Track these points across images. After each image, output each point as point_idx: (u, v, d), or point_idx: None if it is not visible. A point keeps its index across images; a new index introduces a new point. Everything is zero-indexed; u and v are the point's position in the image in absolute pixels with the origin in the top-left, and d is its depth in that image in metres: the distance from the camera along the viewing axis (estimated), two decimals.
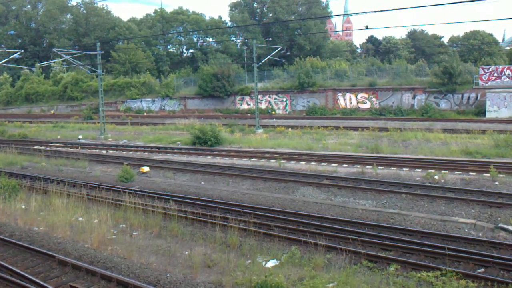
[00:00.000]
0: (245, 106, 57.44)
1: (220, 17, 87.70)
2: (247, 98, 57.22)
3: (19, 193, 19.49)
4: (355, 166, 23.58)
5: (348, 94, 51.62)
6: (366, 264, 12.06)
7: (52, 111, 68.56)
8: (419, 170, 21.90)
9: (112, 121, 52.13)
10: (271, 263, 12.20)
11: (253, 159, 27.02)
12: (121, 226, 15.57)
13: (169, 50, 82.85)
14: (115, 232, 14.86)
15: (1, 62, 44.20)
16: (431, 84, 47.49)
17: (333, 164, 24.03)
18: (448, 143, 28.81)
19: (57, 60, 68.64)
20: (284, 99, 55.26)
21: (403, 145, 29.30)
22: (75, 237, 14.23)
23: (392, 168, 22.69)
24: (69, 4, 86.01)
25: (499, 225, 14.49)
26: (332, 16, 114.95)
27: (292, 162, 25.60)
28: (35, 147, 35.36)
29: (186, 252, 13.09)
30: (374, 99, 50.01)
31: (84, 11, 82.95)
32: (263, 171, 23.13)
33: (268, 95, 56.01)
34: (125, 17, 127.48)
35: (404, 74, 51.53)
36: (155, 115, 60.12)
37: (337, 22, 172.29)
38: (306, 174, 21.96)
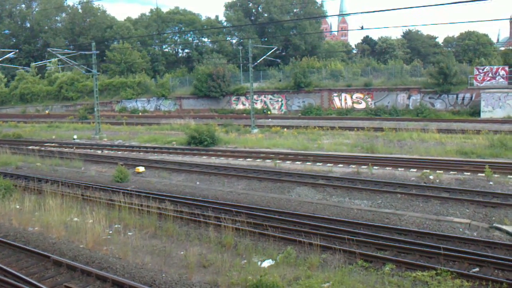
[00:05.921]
0: (240, 106, 57.41)
1: (217, 17, 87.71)
2: (242, 98, 57.19)
3: (14, 193, 19.39)
4: (351, 166, 23.61)
5: (343, 94, 51.70)
6: (362, 263, 12.07)
7: (47, 111, 68.27)
8: (414, 170, 21.95)
9: (107, 121, 51.99)
10: (266, 263, 12.20)
11: (249, 159, 27.01)
12: (116, 226, 15.52)
13: (165, 50, 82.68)
14: (110, 232, 14.82)
15: None
16: (426, 85, 47.65)
17: (329, 164, 24.05)
18: (443, 143, 28.91)
19: (53, 60, 68.36)
20: (280, 99, 55.28)
21: (398, 145, 29.37)
22: (70, 237, 14.18)
23: (387, 168, 22.74)
24: (65, 4, 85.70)
25: (494, 224, 14.54)
26: (327, 16, 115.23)
27: (287, 162, 25.61)
28: (30, 147, 35.20)
29: (182, 252, 13.07)
30: (369, 99, 50.12)
31: (80, 11, 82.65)
32: (259, 171, 23.12)
33: (263, 95, 56.02)
34: (121, 17, 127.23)
35: (399, 75, 51.69)
36: (150, 115, 60.00)
37: (332, 22, 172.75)
38: (301, 174, 21.97)
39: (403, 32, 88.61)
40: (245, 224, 14.90)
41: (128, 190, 19.79)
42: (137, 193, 19.31)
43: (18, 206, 17.78)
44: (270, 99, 55.83)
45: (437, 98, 46.75)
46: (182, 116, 50.75)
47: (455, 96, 45.92)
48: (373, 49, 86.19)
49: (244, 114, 53.26)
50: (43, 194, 19.15)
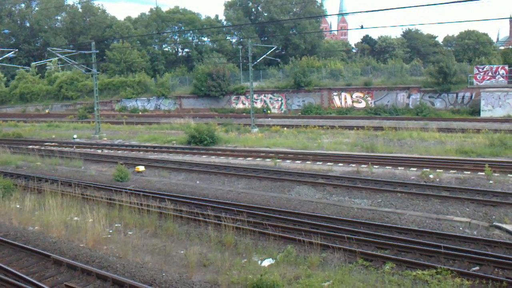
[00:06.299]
0: (240, 106, 57.40)
1: (216, 16, 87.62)
2: (242, 97, 57.17)
3: (14, 193, 19.39)
4: (351, 165, 23.61)
5: (343, 94, 51.70)
6: (362, 262, 12.08)
7: (47, 111, 68.26)
8: (414, 169, 21.96)
9: (107, 120, 51.97)
10: (266, 262, 12.20)
11: (249, 158, 27.01)
12: (116, 225, 15.53)
13: (164, 49, 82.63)
14: (110, 231, 14.82)
15: None
16: (426, 84, 47.64)
17: (329, 163, 24.04)
18: (443, 142, 28.91)
19: (52, 59, 68.33)
20: (280, 99, 55.27)
21: (398, 144, 29.36)
22: (70, 237, 14.19)
23: (387, 167, 22.74)
24: (66, 3, 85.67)
25: (494, 223, 14.56)
26: (327, 15, 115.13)
27: (287, 161, 25.60)
28: (30, 146, 35.20)
29: (182, 251, 13.08)
30: (369, 98, 50.11)
31: (80, 10, 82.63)
32: (259, 170, 23.12)
33: (263, 95, 56.01)
34: (120, 16, 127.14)
35: (399, 74, 51.66)
36: (150, 115, 59.98)
37: (332, 22, 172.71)
38: (301, 173, 21.97)
39: (403, 31, 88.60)
40: (245, 223, 14.92)
41: (128, 189, 19.80)
42: (137, 192, 19.33)
43: (18, 206, 17.78)
44: (270, 98, 55.82)
45: (437, 97, 46.74)
46: (182, 116, 50.73)
47: (455, 95, 45.92)
48: (373, 48, 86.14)
49: (244, 114, 53.23)
50: (43, 193, 19.17)
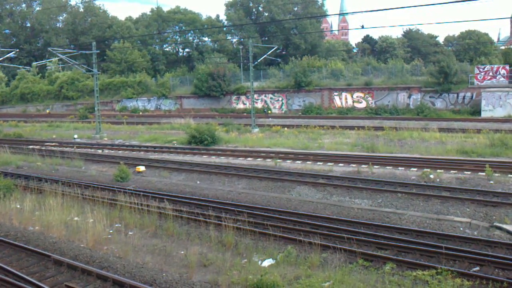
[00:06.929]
0: (241, 106, 57.42)
1: (217, 16, 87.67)
2: (243, 97, 57.19)
3: (14, 193, 19.40)
4: (351, 165, 23.59)
5: (344, 94, 51.70)
6: (362, 263, 12.07)
7: (47, 111, 68.32)
8: (415, 169, 21.94)
9: (108, 120, 52.01)
10: (267, 262, 12.20)
11: (249, 159, 27.00)
12: (116, 225, 15.54)
13: (165, 49, 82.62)
14: (111, 231, 14.83)
15: None
16: (426, 84, 47.65)
17: (329, 163, 24.04)
18: (443, 142, 28.90)
19: (53, 59, 68.39)
20: (280, 99, 55.27)
21: (399, 144, 29.36)
22: (71, 237, 14.19)
23: (388, 167, 22.72)
24: (69, 3, 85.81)
25: (494, 223, 14.55)
26: (327, 15, 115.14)
27: (288, 161, 25.59)
28: (30, 146, 35.21)
29: (182, 252, 13.08)
30: (369, 98, 50.11)
31: (82, 10, 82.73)
32: (259, 170, 23.11)
33: (264, 95, 56.02)
34: (121, 16, 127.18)
35: (400, 74, 51.70)
36: (151, 115, 60.01)
37: (333, 22, 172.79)
38: (302, 173, 21.96)
39: (404, 31, 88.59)
40: (246, 223, 14.91)
41: (128, 189, 19.79)
42: (137, 192, 19.32)
43: (18, 206, 17.79)
44: (271, 98, 55.82)
45: (437, 97, 46.74)
46: (182, 116, 50.73)
47: (455, 95, 45.91)
48: (374, 48, 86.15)
49: (245, 114, 53.25)
50: (44, 193, 19.17)
